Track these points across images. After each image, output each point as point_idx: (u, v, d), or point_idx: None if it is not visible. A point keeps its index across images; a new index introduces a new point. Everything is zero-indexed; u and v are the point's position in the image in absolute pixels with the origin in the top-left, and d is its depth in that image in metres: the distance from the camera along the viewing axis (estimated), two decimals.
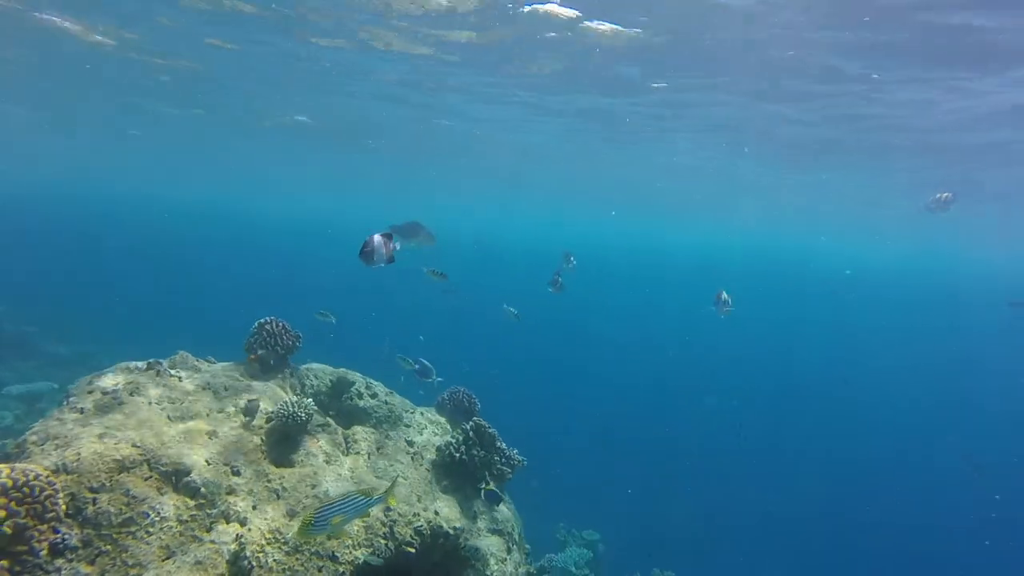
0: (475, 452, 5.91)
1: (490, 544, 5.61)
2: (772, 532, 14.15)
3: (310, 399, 5.25)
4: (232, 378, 5.60)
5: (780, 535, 13.98)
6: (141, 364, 5.51)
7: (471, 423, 6.15)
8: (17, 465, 3.55)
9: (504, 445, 6.37)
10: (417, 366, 6.64)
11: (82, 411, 4.50)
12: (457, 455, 5.86)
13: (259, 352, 5.84)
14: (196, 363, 5.75)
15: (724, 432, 18.66)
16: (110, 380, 5.03)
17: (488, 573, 5.42)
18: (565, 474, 13.23)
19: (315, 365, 6.83)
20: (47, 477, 3.59)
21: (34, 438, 4.16)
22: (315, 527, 3.51)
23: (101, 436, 4.17)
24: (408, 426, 6.42)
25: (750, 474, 16.61)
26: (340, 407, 6.46)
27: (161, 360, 5.51)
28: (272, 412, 5.11)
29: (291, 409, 5.02)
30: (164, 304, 24.74)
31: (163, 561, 3.79)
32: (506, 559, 5.66)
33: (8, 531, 3.21)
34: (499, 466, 6.07)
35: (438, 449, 5.99)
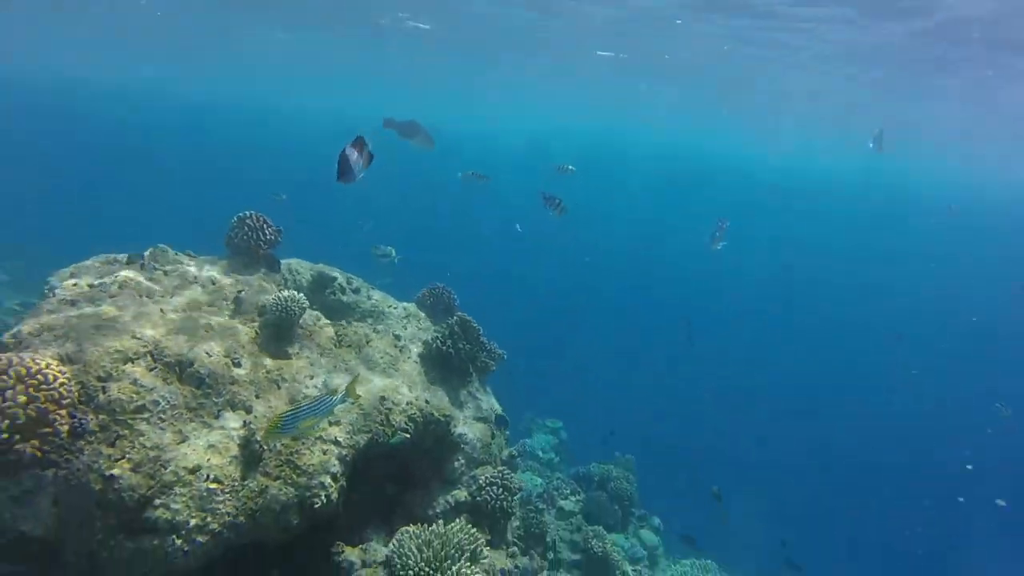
0: (461, 346, 6.18)
1: (476, 430, 6.03)
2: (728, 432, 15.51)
3: (301, 294, 5.29)
4: (217, 272, 5.55)
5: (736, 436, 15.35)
6: (121, 256, 5.37)
7: (456, 317, 6.36)
8: (25, 354, 3.54)
9: (486, 339, 6.66)
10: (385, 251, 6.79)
11: (73, 303, 4.43)
12: (444, 348, 6.11)
13: (265, 249, 5.80)
14: (176, 257, 5.64)
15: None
16: (94, 272, 4.92)
17: (475, 456, 5.87)
18: (529, 369, 13.96)
19: (293, 260, 6.79)
20: (57, 365, 3.61)
21: (29, 329, 4.10)
22: (283, 429, 3.52)
23: (98, 328, 4.15)
24: (392, 320, 6.60)
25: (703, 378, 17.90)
26: (323, 302, 6.53)
27: (142, 253, 5.38)
28: (265, 306, 5.14)
29: (284, 303, 5.06)
30: (111, 197, 23.33)
31: (178, 445, 3.96)
32: (490, 443, 6.12)
33: (32, 414, 3.27)
34: (483, 359, 6.39)
35: (425, 343, 6.22)
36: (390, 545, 4.67)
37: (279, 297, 5.10)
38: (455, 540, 4.48)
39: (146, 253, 5.43)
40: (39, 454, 3.34)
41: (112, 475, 3.63)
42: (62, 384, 3.53)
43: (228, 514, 3.94)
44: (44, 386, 3.41)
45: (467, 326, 6.34)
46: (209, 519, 3.86)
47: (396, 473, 5.55)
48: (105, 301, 4.49)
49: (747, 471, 13.49)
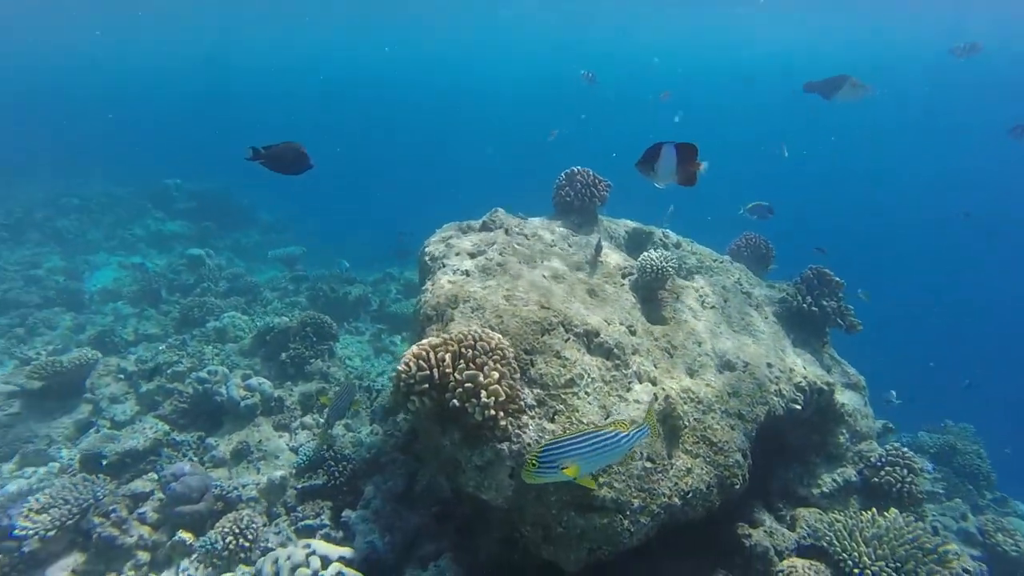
0: (825, 303, 5.30)
1: (852, 399, 5.18)
2: None
3: (670, 252, 4.81)
4: (562, 234, 5.30)
5: None
6: (474, 223, 5.34)
7: (813, 270, 5.48)
8: (473, 328, 3.47)
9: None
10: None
11: (467, 273, 4.40)
12: (805, 305, 5.29)
13: (599, 205, 5.48)
14: (512, 220, 5.50)
15: None
16: (466, 242, 4.91)
17: (857, 428, 5.04)
18: None
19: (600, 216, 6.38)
20: (501, 339, 3.50)
21: (441, 300, 4.12)
22: (540, 470, 2.50)
23: (507, 298, 4.03)
24: (721, 275, 5.91)
25: None
26: None
27: (494, 218, 5.30)
28: (636, 267, 4.76)
29: (657, 263, 4.62)
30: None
31: (604, 419, 3.71)
32: (868, 414, 5.24)
33: (507, 390, 3.16)
34: (851, 317, 5.44)
35: (782, 300, 5.45)
36: (819, 532, 4.11)
37: (651, 257, 4.66)
38: (908, 536, 3.75)
39: (489, 218, 5.35)
40: (511, 429, 3.24)
41: None
42: (512, 358, 3.40)
43: (664, 495, 3.64)
44: (504, 361, 3.29)
45: (826, 279, 5.42)
46: (649, 500, 3.58)
47: (771, 447, 4.96)
48: (493, 271, 4.40)
49: None
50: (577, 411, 3.64)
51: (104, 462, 5.16)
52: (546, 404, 3.62)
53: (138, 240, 13.62)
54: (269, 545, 4.20)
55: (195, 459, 5.06)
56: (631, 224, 6.32)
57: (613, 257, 5.06)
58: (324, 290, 9.79)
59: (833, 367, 5.42)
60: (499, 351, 3.28)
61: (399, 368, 3.22)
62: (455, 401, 3.10)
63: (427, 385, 3.12)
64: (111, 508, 4.30)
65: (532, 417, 3.58)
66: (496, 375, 3.16)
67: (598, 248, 4.87)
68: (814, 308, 5.27)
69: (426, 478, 5.03)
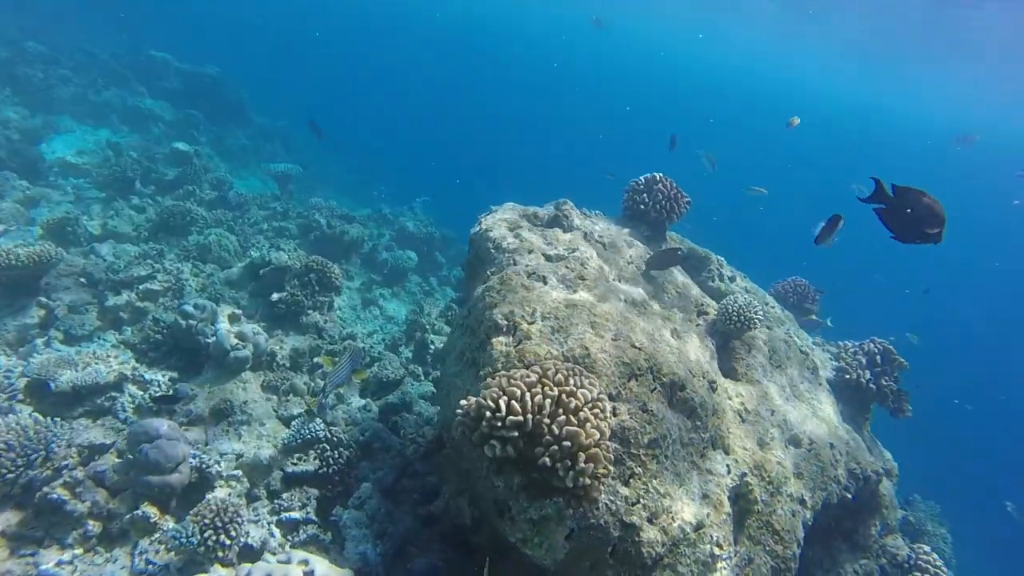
0: (884, 382, 4.96)
1: (887, 488, 4.92)
2: None
3: (755, 297, 4.30)
4: (638, 249, 4.71)
5: None
6: (541, 212, 4.68)
7: (877, 345, 5.12)
8: (575, 367, 2.88)
9: None
10: None
11: (544, 280, 3.77)
12: (863, 381, 4.94)
13: (675, 222, 4.87)
14: (581, 217, 4.88)
15: None
16: (538, 237, 4.25)
17: (888, 521, 4.79)
18: None
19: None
20: (600, 388, 2.93)
21: (516, 309, 3.49)
22: None
23: (594, 326, 3.44)
24: (776, 325, 5.50)
25: None
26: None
27: (564, 211, 4.64)
28: (718, 309, 4.24)
29: (746, 313, 4.11)
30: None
31: (679, 490, 3.24)
32: (895, 504, 5.00)
33: (606, 454, 2.61)
34: (906, 403, 5.13)
35: (839, 369, 5.08)
36: None
37: (737, 304, 4.15)
38: None
39: (559, 210, 4.70)
40: (600, 499, 2.72)
41: (632, 524, 2.99)
42: (609, 414, 2.84)
43: None
44: (603, 416, 2.74)
45: (891, 357, 5.08)
46: None
47: None
48: (578, 285, 3.78)
49: None
50: (655, 477, 3.13)
51: (53, 387, 4.34)
52: (623, 463, 3.10)
53: (111, 111, 12.13)
54: (250, 541, 3.58)
55: (166, 410, 4.32)
56: (687, 244, 5.78)
57: (693, 290, 4.53)
58: (320, 224, 8.89)
59: (873, 448, 5.13)
60: (600, 403, 2.71)
61: (481, 402, 2.61)
62: (546, 459, 2.53)
63: (516, 433, 2.53)
64: (64, 463, 3.56)
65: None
66: (597, 435, 2.60)
67: (668, 285, 4.31)
68: (872, 385, 4.93)
69: (412, 474, 4.51)
